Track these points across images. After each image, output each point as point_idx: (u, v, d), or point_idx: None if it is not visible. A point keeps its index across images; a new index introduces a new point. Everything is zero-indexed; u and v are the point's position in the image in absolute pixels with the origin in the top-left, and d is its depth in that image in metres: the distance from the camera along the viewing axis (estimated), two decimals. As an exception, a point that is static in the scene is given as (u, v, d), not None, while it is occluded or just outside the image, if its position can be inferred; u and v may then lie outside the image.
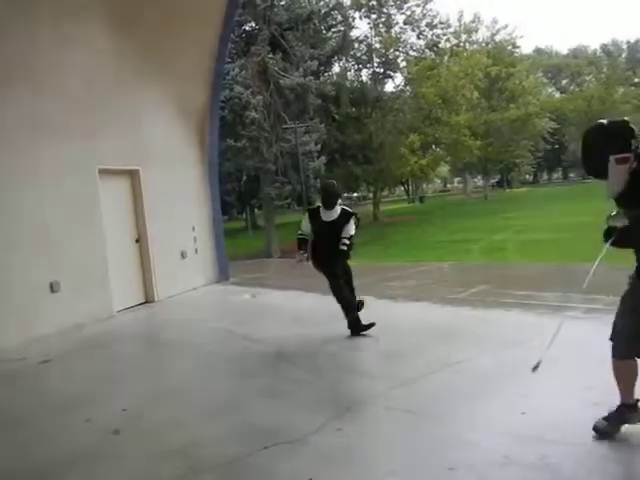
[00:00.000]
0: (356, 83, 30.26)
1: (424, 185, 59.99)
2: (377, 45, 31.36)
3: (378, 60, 31.53)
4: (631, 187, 2.60)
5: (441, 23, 32.20)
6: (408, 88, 32.41)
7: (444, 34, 33.25)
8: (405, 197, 58.66)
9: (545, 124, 40.74)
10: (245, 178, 21.08)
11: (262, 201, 23.48)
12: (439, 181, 74.71)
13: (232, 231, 30.86)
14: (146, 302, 8.62)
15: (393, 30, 31.35)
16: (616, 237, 2.75)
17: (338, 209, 5.46)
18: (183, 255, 9.34)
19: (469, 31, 37.73)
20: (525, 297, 6.52)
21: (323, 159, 21.84)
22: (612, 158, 2.59)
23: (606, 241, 2.77)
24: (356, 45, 30.29)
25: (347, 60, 29.93)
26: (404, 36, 31.88)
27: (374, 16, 30.78)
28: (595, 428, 2.92)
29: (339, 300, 5.52)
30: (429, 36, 32.25)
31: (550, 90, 55.64)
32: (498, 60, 36.17)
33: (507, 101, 39.10)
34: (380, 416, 3.65)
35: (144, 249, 8.64)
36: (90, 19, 7.61)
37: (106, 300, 7.72)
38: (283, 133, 20.45)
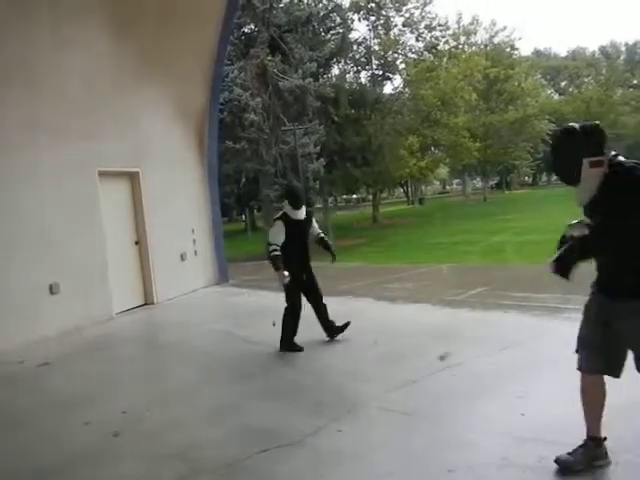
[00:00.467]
0: (355, 85, 30.26)
1: (423, 187, 60.01)
2: (376, 47, 31.40)
3: (377, 62, 31.57)
4: (602, 192, 2.56)
5: (440, 25, 32.28)
6: (407, 90, 32.45)
7: (443, 36, 33.35)
8: (404, 199, 58.67)
9: (544, 126, 40.77)
10: (244, 180, 21.07)
11: (261, 203, 23.48)
12: (438, 183, 74.74)
13: (231, 233, 30.86)
14: (145, 304, 8.62)
15: (392, 32, 31.40)
16: (571, 247, 2.66)
17: (304, 209, 5.49)
18: (182, 257, 9.34)
19: (468, 33, 37.82)
20: (524, 299, 6.52)
21: (322, 161, 21.83)
22: (586, 161, 2.55)
23: (559, 249, 2.66)
24: (355, 47, 30.32)
25: (346, 62, 29.94)
26: (403, 38, 31.96)
27: (373, 18, 30.82)
28: (557, 461, 2.73)
29: (285, 322, 5.45)
30: (428, 38, 32.32)
31: (549, 92, 55.70)
32: (497, 62, 36.20)
33: (506, 103, 39.16)
34: (379, 418, 3.65)
35: (143, 251, 8.64)
36: (89, 21, 7.62)
37: (105, 302, 7.72)
38: (282, 135, 20.46)
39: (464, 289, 7.64)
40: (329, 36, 26.56)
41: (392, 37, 31.22)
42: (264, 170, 20.24)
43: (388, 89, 33.20)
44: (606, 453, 2.76)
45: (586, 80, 53.50)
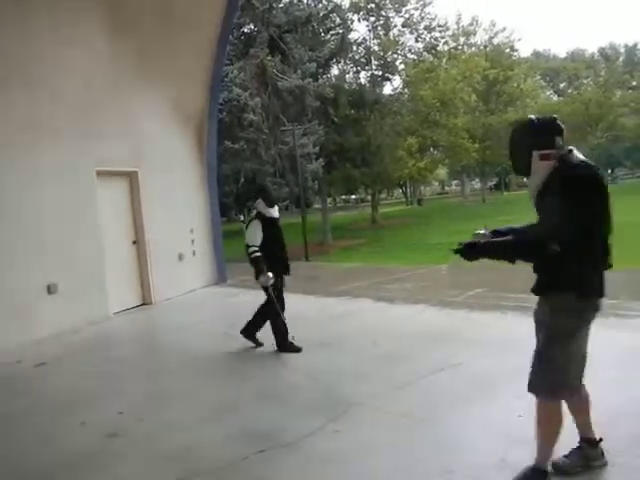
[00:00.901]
0: (354, 85, 30.19)
1: (422, 188, 59.97)
2: (375, 48, 31.36)
3: (376, 63, 31.53)
4: (545, 186, 2.53)
5: (439, 26, 32.22)
6: (406, 91, 32.41)
7: (442, 37, 33.25)
8: (403, 199, 58.68)
9: (543, 127, 40.80)
10: (243, 180, 21.04)
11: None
12: (437, 184, 74.73)
13: (230, 233, 30.82)
14: (143, 304, 8.61)
15: (391, 33, 31.37)
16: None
17: (277, 207, 5.51)
18: (181, 257, 9.34)
19: (467, 34, 37.81)
20: (523, 300, 6.51)
21: (321, 161, 21.79)
22: (536, 153, 2.55)
23: (457, 253, 2.56)
24: (354, 48, 30.25)
25: (345, 62, 29.88)
26: (402, 39, 31.90)
27: (372, 19, 30.79)
28: (554, 466, 2.70)
29: (275, 324, 5.42)
30: (427, 39, 32.27)
31: (548, 93, 55.73)
32: (496, 63, 36.17)
33: (505, 104, 39.14)
34: (377, 419, 3.64)
35: (141, 251, 8.64)
36: (89, 21, 7.62)
37: (103, 302, 7.71)
38: (281, 135, 20.41)
39: (463, 290, 7.63)
40: (329, 36, 26.53)
41: (392, 38, 31.20)
42: (263, 170, 20.19)
43: (387, 90, 33.19)
44: (602, 453, 2.74)
45: (585, 81, 53.50)
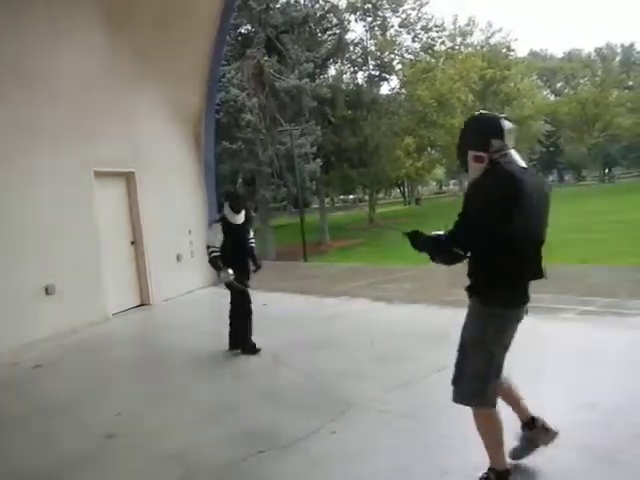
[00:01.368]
0: (352, 86, 30.24)
1: (420, 187, 60.03)
2: (372, 48, 31.40)
3: (373, 63, 31.57)
4: (473, 190, 2.48)
5: (436, 26, 32.29)
6: (403, 91, 32.46)
7: (439, 37, 33.34)
8: (401, 199, 58.73)
9: (540, 127, 40.87)
10: (241, 180, 21.04)
11: (258, 203, 23.43)
12: (434, 183, 74.80)
13: (228, 233, 30.73)
14: (142, 305, 8.60)
15: (388, 33, 31.41)
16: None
17: (243, 214, 5.52)
18: (179, 258, 9.32)
19: (464, 34, 37.84)
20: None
21: (319, 161, 21.82)
22: (470, 153, 2.52)
23: (405, 235, 2.58)
24: (351, 48, 30.30)
25: (342, 63, 29.92)
26: (399, 39, 31.95)
27: (369, 19, 30.83)
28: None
29: (237, 326, 5.47)
30: (424, 39, 32.33)
31: (545, 93, 55.82)
32: (493, 63, 36.21)
33: (502, 104, 39.17)
34: (374, 419, 3.64)
35: (139, 252, 8.62)
36: (86, 21, 7.60)
37: (101, 303, 7.70)
38: (279, 135, 20.42)
39: (461, 289, 7.62)
40: (326, 37, 26.55)
41: (388, 38, 31.24)
42: (261, 171, 20.20)
43: (385, 90, 33.25)
44: (544, 428, 2.77)
45: (582, 81, 53.62)
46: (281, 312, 7.33)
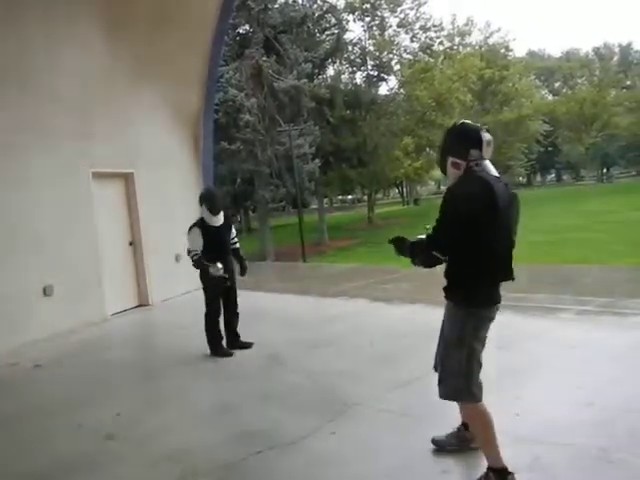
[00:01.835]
0: (350, 86, 30.24)
1: (418, 187, 60.05)
2: (371, 48, 31.39)
3: (372, 63, 31.57)
4: (450, 196, 2.62)
5: (434, 26, 32.29)
6: (402, 91, 32.46)
7: (438, 37, 33.33)
8: (399, 199, 58.74)
9: (538, 126, 40.93)
10: (239, 181, 21.03)
11: (256, 204, 23.42)
12: (433, 183, 74.80)
13: (227, 234, 30.74)
14: (140, 305, 8.59)
15: (387, 33, 31.41)
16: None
17: (222, 215, 5.49)
18: (177, 258, 9.31)
19: (462, 34, 37.85)
20: (519, 299, 6.54)
21: (317, 162, 21.82)
22: (450, 159, 2.67)
23: (391, 243, 2.75)
24: (350, 48, 30.30)
25: (341, 63, 29.92)
26: (398, 39, 31.94)
27: (368, 19, 30.82)
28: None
29: (209, 325, 5.51)
30: (423, 39, 32.33)
31: (543, 92, 55.87)
32: (491, 63, 36.23)
33: (500, 104, 39.25)
34: (374, 419, 3.65)
35: (138, 252, 8.62)
36: (84, 22, 7.60)
37: (100, 304, 7.70)
38: (277, 136, 20.41)
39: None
40: (324, 37, 26.56)
41: (387, 38, 31.24)
42: (259, 171, 20.20)
43: (383, 90, 33.22)
44: None
45: (580, 81, 53.68)
46: (279, 313, 7.33)
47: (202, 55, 9.53)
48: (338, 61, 29.02)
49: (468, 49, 37.01)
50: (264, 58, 20.22)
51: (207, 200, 5.44)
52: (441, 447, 3.02)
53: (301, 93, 20.82)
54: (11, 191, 6.64)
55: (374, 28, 31.28)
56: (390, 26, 31.51)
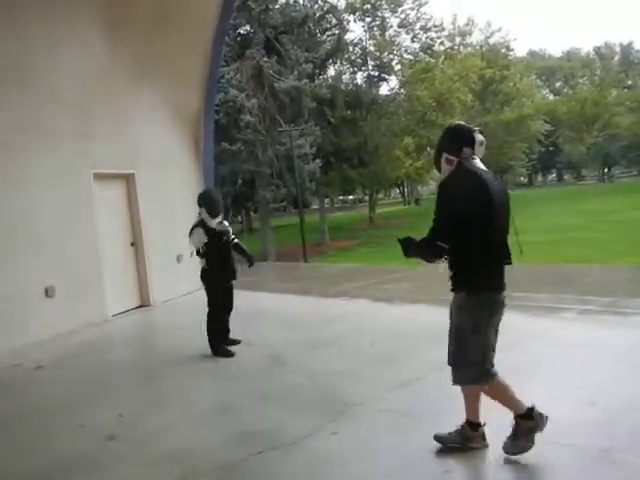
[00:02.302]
0: (351, 86, 30.26)
1: (419, 187, 60.03)
2: (372, 48, 31.42)
3: (373, 63, 31.59)
4: (444, 189, 2.80)
5: (435, 26, 32.30)
6: (403, 91, 32.47)
7: (438, 37, 33.34)
8: (401, 199, 58.72)
9: (539, 126, 40.89)
10: (240, 181, 21.03)
11: (258, 204, 23.43)
12: (434, 183, 74.90)
13: (228, 234, 30.75)
14: (141, 306, 8.59)
15: (387, 33, 31.43)
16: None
17: (221, 217, 5.55)
18: (179, 259, 9.31)
19: (463, 34, 37.86)
20: (521, 299, 6.52)
21: (318, 162, 21.82)
22: (444, 156, 2.86)
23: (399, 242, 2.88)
24: (351, 48, 30.32)
25: (342, 63, 29.94)
26: (398, 39, 31.97)
27: (368, 19, 30.84)
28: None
29: (211, 325, 5.53)
30: (423, 39, 32.34)
31: (544, 92, 55.83)
32: (492, 63, 36.21)
33: (501, 103, 39.22)
34: (375, 419, 3.65)
35: (139, 253, 8.62)
36: (84, 21, 7.60)
37: (101, 304, 7.69)
38: (278, 136, 20.42)
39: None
40: (325, 37, 26.57)
41: (388, 38, 31.26)
42: (260, 171, 20.20)
43: (384, 90, 33.25)
44: (483, 437, 2.99)
45: (581, 81, 53.65)
46: (280, 313, 7.33)
47: (202, 55, 9.53)
48: (339, 61, 29.04)
49: (469, 49, 37.03)
50: (265, 58, 20.23)
51: (206, 202, 5.48)
52: (443, 443, 3.04)
53: (302, 93, 20.82)
54: (11, 191, 6.64)
55: (375, 28, 31.31)
56: (391, 26, 31.54)
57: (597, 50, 54.94)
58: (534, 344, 4.83)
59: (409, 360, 4.73)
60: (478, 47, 38.46)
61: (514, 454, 2.83)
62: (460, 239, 2.71)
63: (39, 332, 6.67)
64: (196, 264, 9.54)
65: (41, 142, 6.99)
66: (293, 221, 29.27)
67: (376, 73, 31.85)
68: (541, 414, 2.83)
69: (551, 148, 50.16)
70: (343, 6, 28.91)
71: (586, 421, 3.19)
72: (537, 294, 6.57)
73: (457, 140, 2.84)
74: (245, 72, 19.77)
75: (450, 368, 2.92)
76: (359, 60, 31.34)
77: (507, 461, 2.84)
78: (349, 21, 29.82)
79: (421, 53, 32.76)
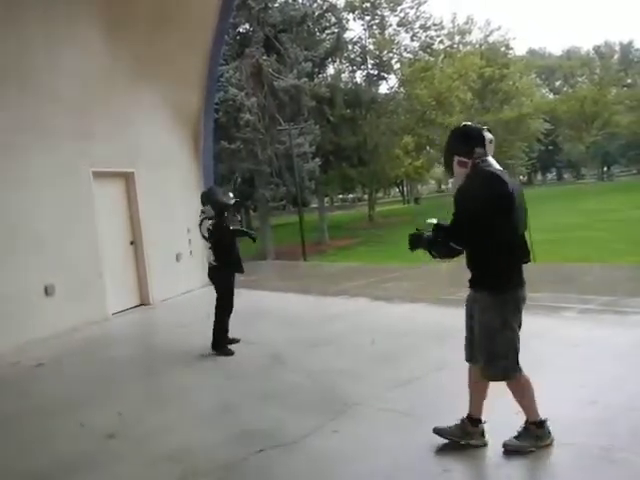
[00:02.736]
0: (350, 85, 30.26)
1: (419, 186, 60.01)
2: (371, 47, 31.42)
3: (372, 62, 31.60)
4: (459, 189, 2.84)
5: (435, 25, 32.32)
6: (402, 90, 32.48)
7: (438, 36, 33.36)
8: (400, 198, 58.71)
9: (539, 125, 40.87)
10: (240, 180, 21.03)
11: (257, 203, 23.42)
12: (434, 182, 74.75)
13: (227, 233, 30.73)
14: (141, 305, 8.59)
15: (387, 32, 31.43)
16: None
17: (226, 213, 5.67)
18: (178, 257, 9.32)
19: (462, 33, 37.82)
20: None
21: (318, 161, 21.83)
22: (456, 159, 2.87)
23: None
24: (350, 47, 30.32)
25: (341, 62, 29.94)
26: (398, 38, 31.98)
27: (368, 18, 30.85)
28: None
29: (221, 322, 5.55)
30: (423, 38, 32.36)
31: (544, 91, 55.80)
32: (492, 61, 36.17)
33: (501, 102, 39.18)
34: (375, 418, 3.64)
35: (139, 251, 8.61)
36: (84, 21, 7.58)
37: (101, 303, 7.69)
38: (278, 135, 20.42)
39: (461, 288, 7.62)
40: (324, 36, 26.54)
41: (387, 37, 31.26)
42: (260, 170, 20.21)
43: (383, 89, 33.28)
44: (482, 433, 3.03)
45: (580, 79, 53.65)
46: (280, 312, 7.33)
47: (202, 54, 9.52)
48: (338, 60, 29.04)
49: (468, 48, 36.98)
50: (264, 57, 20.22)
51: (212, 203, 5.57)
52: (442, 435, 3.06)
53: (301, 92, 20.82)
54: (11, 191, 6.63)
55: (374, 27, 31.31)
56: (390, 25, 31.56)
57: (597, 49, 54.96)
58: (534, 343, 4.80)
59: (409, 359, 4.73)
60: (477, 46, 38.40)
61: (513, 452, 2.85)
62: (483, 240, 2.74)
63: (39, 330, 6.66)
64: (196, 263, 9.62)
65: (41, 142, 6.98)
66: (292, 220, 29.25)
67: (375, 72, 31.85)
68: (550, 430, 2.89)
69: (551, 147, 50.16)
70: (342, 5, 28.92)
71: (586, 420, 3.19)
72: (537, 293, 6.57)
73: (468, 141, 2.85)
74: (244, 71, 19.77)
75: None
76: (358, 59, 31.34)
77: (506, 460, 2.84)
78: (348, 20, 29.84)
79: (420, 52, 32.77)
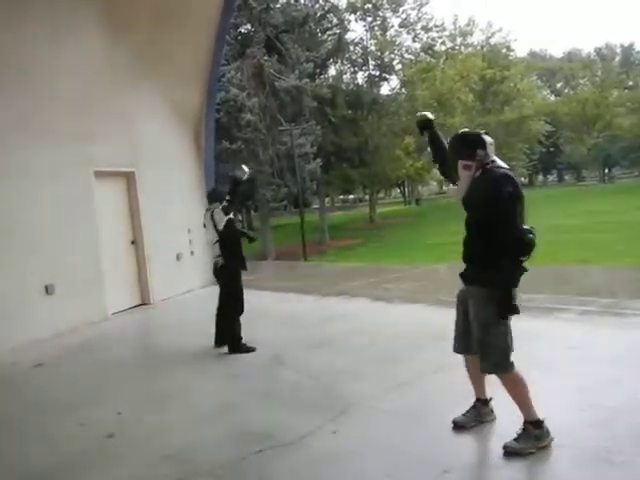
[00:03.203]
0: (352, 86, 30.27)
1: (420, 187, 59.99)
2: (372, 48, 31.40)
3: (374, 63, 31.57)
4: (469, 190, 2.97)
5: (436, 26, 32.31)
6: (403, 91, 32.46)
7: (439, 37, 33.36)
8: (401, 199, 58.70)
9: (540, 127, 40.83)
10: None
11: (258, 203, 23.42)
12: (435, 183, 74.70)
13: (228, 233, 30.69)
14: (141, 304, 8.60)
15: (388, 33, 31.42)
16: None
17: (231, 214, 5.68)
18: (179, 257, 9.33)
19: (464, 34, 37.80)
20: (520, 299, 6.54)
21: (319, 161, 21.83)
22: (460, 163, 2.98)
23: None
24: (352, 48, 30.32)
25: (343, 63, 29.93)
26: (399, 39, 31.96)
27: (369, 19, 30.84)
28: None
29: (234, 322, 5.53)
30: (424, 39, 32.35)
31: (545, 93, 55.77)
32: (493, 63, 36.16)
33: (502, 104, 39.15)
34: (375, 418, 3.65)
35: (140, 251, 8.62)
36: (85, 20, 7.60)
37: (101, 303, 7.70)
38: (279, 135, 20.42)
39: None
40: (326, 37, 26.54)
41: (389, 38, 31.25)
42: (261, 170, 20.19)
43: (385, 90, 33.23)
44: (492, 410, 3.27)
45: (582, 81, 53.59)
46: (280, 312, 7.33)
47: (204, 54, 9.53)
48: (340, 61, 29.04)
49: (470, 49, 36.98)
50: (266, 57, 20.23)
51: (221, 202, 5.62)
52: (463, 427, 3.21)
53: (303, 93, 20.83)
54: (11, 191, 6.64)
55: (376, 28, 31.30)
56: (392, 26, 31.54)
57: (598, 51, 54.90)
58: (533, 345, 4.81)
59: (409, 359, 4.73)
60: (479, 47, 38.40)
61: (513, 454, 2.85)
62: (499, 236, 2.81)
63: (39, 330, 6.67)
64: (196, 263, 9.62)
65: (42, 141, 6.98)
66: (293, 220, 29.26)
67: (377, 73, 31.83)
68: (548, 430, 2.92)
69: (552, 149, 50.06)
70: (344, 6, 28.93)
71: (585, 422, 3.19)
72: (536, 295, 6.57)
73: (469, 145, 2.96)
74: (246, 71, 19.77)
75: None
76: (360, 60, 31.32)
77: (506, 462, 2.84)
78: (350, 21, 29.84)
79: (422, 53, 32.76)
